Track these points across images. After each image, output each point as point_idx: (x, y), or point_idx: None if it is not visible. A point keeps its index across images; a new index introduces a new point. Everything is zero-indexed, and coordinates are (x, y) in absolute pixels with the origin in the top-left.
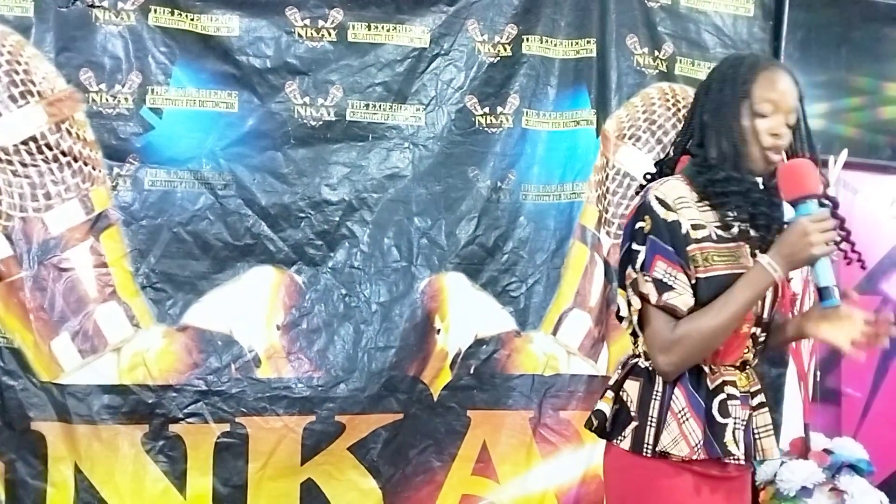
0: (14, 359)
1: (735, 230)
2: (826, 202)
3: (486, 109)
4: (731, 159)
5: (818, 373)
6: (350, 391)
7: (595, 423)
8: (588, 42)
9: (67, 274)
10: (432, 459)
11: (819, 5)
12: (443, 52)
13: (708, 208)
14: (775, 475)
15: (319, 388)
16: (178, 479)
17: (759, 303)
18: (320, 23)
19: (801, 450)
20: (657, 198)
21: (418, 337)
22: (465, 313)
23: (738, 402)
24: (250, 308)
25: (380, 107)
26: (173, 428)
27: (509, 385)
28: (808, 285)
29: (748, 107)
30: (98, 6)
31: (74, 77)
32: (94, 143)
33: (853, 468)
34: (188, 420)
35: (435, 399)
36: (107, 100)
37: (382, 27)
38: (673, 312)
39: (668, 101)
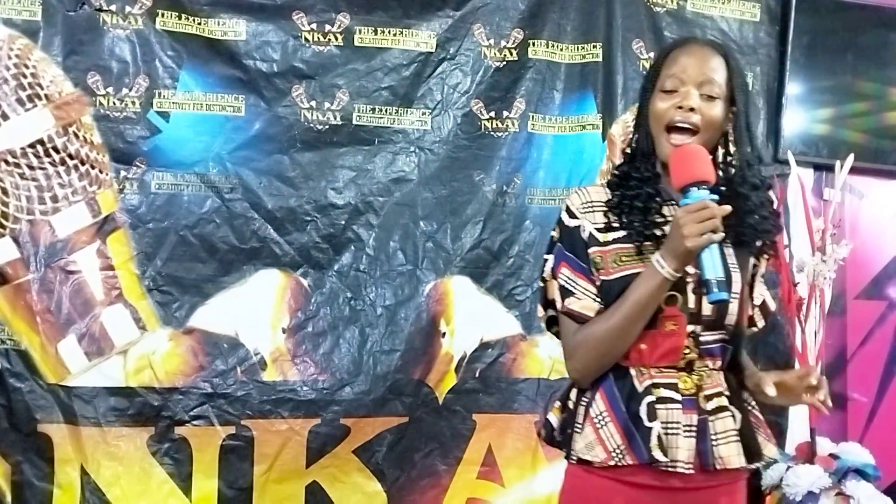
0: (21, 361)
1: (644, 232)
2: (719, 189)
3: (492, 114)
4: (642, 155)
5: (824, 377)
6: (355, 394)
7: (543, 433)
8: (594, 47)
9: (74, 276)
10: (437, 463)
11: (825, 10)
12: (449, 56)
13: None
14: (781, 480)
15: (325, 391)
16: (184, 481)
17: (694, 299)
18: (327, 27)
19: (807, 454)
20: (565, 205)
21: (423, 340)
22: (471, 317)
23: (677, 405)
24: (256, 311)
25: (386, 111)
26: (179, 430)
27: (515, 389)
28: (815, 290)
29: (658, 89)
30: (106, 10)
31: (82, 80)
32: (102, 147)
33: (859, 473)
34: (194, 422)
35: (440, 402)
36: (114, 103)
37: (389, 32)
38: (577, 318)
39: None
